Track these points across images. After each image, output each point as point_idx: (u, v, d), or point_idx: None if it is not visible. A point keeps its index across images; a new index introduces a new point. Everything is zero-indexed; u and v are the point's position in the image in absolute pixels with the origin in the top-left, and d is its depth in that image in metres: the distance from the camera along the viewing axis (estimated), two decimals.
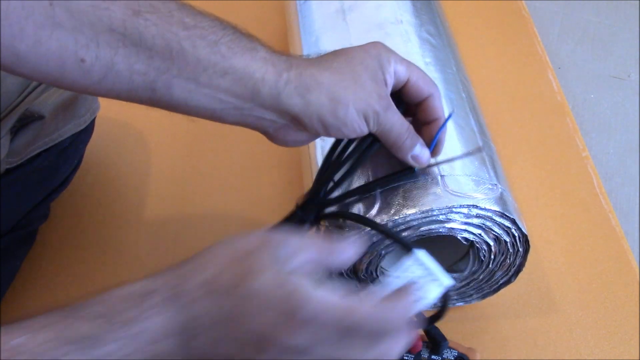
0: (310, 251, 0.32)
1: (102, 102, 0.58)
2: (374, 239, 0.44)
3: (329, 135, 0.40)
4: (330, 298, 0.30)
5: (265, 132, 0.41)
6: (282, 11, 0.79)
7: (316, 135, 0.40)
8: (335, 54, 0.40)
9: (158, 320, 0.29)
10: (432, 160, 0.44)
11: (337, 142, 0.46)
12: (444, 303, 0.39)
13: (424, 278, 0.38)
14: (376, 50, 0.40)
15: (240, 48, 0.36)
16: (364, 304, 0.30)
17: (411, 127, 0.41)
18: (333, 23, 0.57)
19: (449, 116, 0.42)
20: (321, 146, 0.51)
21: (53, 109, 0.50)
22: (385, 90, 0.39)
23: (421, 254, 0.39)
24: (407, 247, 0.39)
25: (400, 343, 0.31)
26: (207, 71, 0.35)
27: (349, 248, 0.34)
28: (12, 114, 0.47)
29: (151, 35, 0.33)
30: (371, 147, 0.43)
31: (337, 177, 0.45)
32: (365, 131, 0.39)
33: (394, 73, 0.40)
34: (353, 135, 0.40)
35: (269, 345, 0.29)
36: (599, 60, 0.82)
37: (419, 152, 0.41)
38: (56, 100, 0.50)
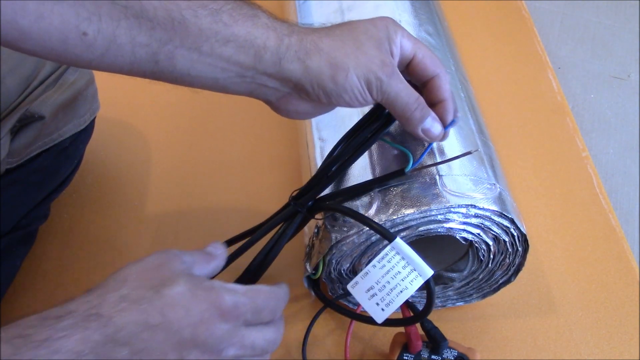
0: (201, 258, 0.38)
1: (102, 102, 0.58)
2: (373, 239, 0.44)
3: (331, 103, 0.39)
4: (239, 288, 0.35)
5: (268, 102, 0.40)
6: (282, 11, 0.79)
7: (320, 104, 0.40)
8: (340, 24, 0.40)
9: (73, 339, 0.29)
10: (430, 161, 0.44)
11: (342, 140, 0.46)
12: (429, 297, 0.39)
13: (405, 268, 0.39)
14: (383, 23, 0.39)
15: (241, 15, 0.36)
16: (261, 287, 0.36)
17: (421, 98, 0.40)
18: (332, 23, 0.57)
19: (452, 121, 0.42)
20: (320, 147, 0.51)
21: (53, 109, 0.50)
22: (391, 59, 0.39)
23: (402, 244, 0.39)
24: (386, 236, 0.40)
25: (281, 328, 0.37)
26: (209, 40, 0.35)
27: (219, 254, 0.39)
28: (12, 114, 0.47)
29: (152, 6, 0.33)
30: (372, 138, 0.43)
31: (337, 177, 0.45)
32: (369, 100, 0.39)
33: (400, 46, 0.39)
34: (356, 104, 0.39)
35: (198, 341, 0.32)
36: (599, 60, 0.82)
37: (430, 126, 0.40)
38: (56, 101, 0.50)
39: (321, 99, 0.38)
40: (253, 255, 0.48)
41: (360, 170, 0.46)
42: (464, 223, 0.43)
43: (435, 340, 0.46)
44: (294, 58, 0.37)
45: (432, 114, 0.41)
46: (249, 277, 0.48)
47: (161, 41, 0.34)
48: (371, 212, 0.43)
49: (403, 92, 0.39)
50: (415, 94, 0.39)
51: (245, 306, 0.35)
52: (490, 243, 0.45)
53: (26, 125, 0.50)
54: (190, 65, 0.35)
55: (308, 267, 0.47)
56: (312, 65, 0.37)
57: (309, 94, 0.38)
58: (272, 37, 0.36)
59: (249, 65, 0.36)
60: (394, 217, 0.42)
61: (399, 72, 0.39)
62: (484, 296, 0.52)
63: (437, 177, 0.43)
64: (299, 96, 0.39)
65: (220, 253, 0.40)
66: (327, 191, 0.46)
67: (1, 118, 0.46)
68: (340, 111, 0.51)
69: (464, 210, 0.43)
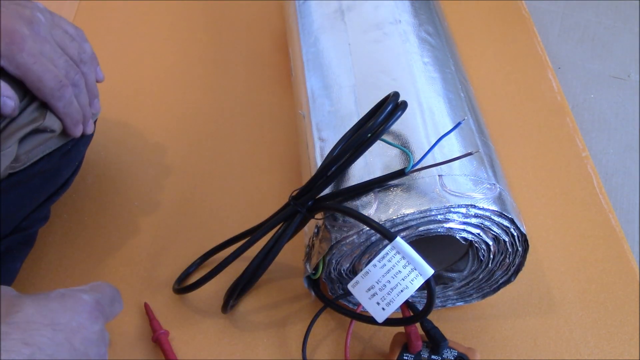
0: None
1: (103, 103, 0.58)
2: (373, 239, 0.44)
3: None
4: (85, 287, 0.33)
5: None
6: (282, 11, 0.79)
7: None
8: None
9: None
10: (430, 161, 0.44)
11: (342, 140, 0.46)
12: (430, 297, 0.39)
13: (406, 267, 0.39)
14: None
15: None
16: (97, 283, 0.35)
17: None
18: (332, 23, 0.58)
19: (458, 124, 0.42)
20: (320, 147, 0.51)
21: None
22: None
23: (402, 243, 0.39)
24: (387, 235, 0.40)
25: None
26: None
27: None
28: (26, 127, 0.47)
29: None
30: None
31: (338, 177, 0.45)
32: None
33: None
34: None
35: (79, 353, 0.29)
36: (599, 60, 0.82)
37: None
38: None
39: None
40: (253, 256, 0.48)
41: (360, 170, 0.46)
42: (464, 223, 0.43)
43: (435, 340, 0.46)
44: None
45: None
46: (249, 277, 0.49)
47: None
48: (371, 212, 0.43)
49: None
50: None
51: (104, 299, 0.33)
52: (490, 243, 0.45)
53: (33, 133, 0.50)
54: None
55: (308, 267, 0.47)
56: None
57: None
58: None
59: None
60: (394, 217, 0.42)
61: None
62: (484, 296, 0.52)
63: (437, 177, 0.43)
64: None
65: None
66: (327, 191, 0.46)
67: (15, 130, 0.46)
68: (340, 111, 0.51)
69: (463, 210, 0.43)
